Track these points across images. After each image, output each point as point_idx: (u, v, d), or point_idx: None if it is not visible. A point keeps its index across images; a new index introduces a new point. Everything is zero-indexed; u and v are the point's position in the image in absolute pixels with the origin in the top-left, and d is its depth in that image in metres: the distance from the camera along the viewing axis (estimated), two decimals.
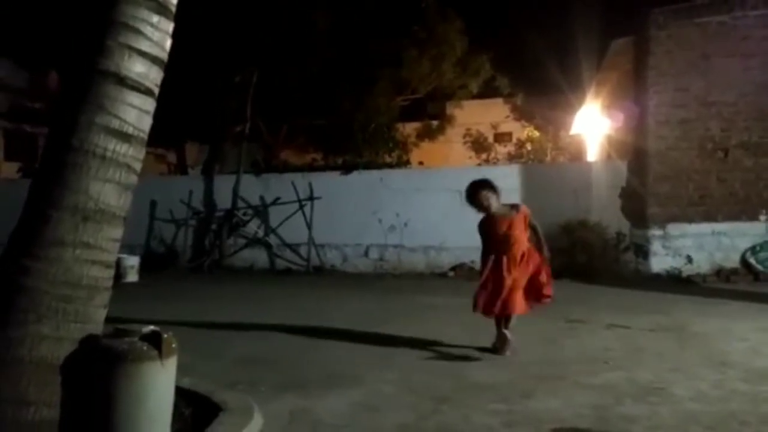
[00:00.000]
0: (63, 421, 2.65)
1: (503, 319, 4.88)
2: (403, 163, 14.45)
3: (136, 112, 2.94)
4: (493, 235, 4.95)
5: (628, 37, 10.62)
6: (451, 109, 19.82)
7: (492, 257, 4.90)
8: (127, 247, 9.79)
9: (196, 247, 12.60)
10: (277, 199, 12.10)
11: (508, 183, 10.76)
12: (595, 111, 14.87)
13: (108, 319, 2.97)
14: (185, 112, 13.87)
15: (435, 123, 19.83)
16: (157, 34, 2.99)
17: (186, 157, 18.65)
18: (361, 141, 14.97)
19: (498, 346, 4.84)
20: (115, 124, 2.86)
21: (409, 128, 18.87)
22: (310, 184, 11.90)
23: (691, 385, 3.88)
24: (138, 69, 2.91)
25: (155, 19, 2.96)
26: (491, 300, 4.80)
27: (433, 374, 4.27)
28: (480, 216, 5.04)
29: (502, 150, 19.15)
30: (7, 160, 18.99)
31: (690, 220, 9.76)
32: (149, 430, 2.61)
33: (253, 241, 12.30)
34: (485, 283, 4.85)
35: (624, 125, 11.62)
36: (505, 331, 4.83)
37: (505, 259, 4.82)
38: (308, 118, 16.08)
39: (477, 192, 4.95)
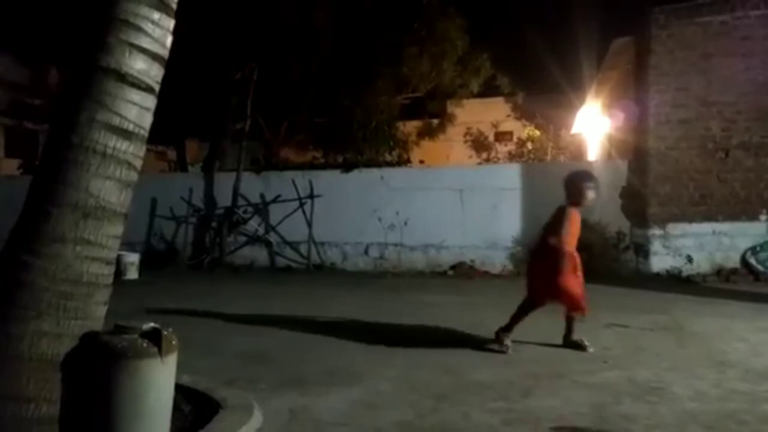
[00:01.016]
0: (63, 418, 2.65)
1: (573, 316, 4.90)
2: (403, 161, 14.46)
3: (137, 109, 2.93)
4: (576, 231, 4.87)
5: (629, 37, 10.62)
6: (451, 107, 19.79)
7: (570, 254, 4.83)
8: (128, 245, 9.79)
9: (196, 244, 12.61)
10: (278, 196, 12.10)
11: (509, 182, 10.82)
12: (596, 110, 14.87)
13: (108, 316, 2.97)
14: (186, 110, 13.88)
15: (435, 121, 19.79)
16: (158, 31, 2.98)
17: (186, 154, 18.66)
18: (361, 139, 14.97)
19: (580, 343, 4.84)
20: (116, 121, 2.85)
21: (410, 126, 18.87)
22: (310, 182, 11.90)
23: (690, 385, 3.88)
24: (139, 66, 2.91)
25: (156, 16, 2.96)
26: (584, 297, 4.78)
27: (433, 372, 4.27)
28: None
29: (502, 149, 19.20)
30: (8, 157, 19.01)
31: (690, 219, 9.76)
32: (149, 427, 2.61)
33: (254, 239, 12.31)
34: (577, 282, 4.76)
35: (624, 125, 11.61)
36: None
37: (577, 256, 4.83)
38: (309, 116, 16.09)
39: (583, 182, 4.95)
